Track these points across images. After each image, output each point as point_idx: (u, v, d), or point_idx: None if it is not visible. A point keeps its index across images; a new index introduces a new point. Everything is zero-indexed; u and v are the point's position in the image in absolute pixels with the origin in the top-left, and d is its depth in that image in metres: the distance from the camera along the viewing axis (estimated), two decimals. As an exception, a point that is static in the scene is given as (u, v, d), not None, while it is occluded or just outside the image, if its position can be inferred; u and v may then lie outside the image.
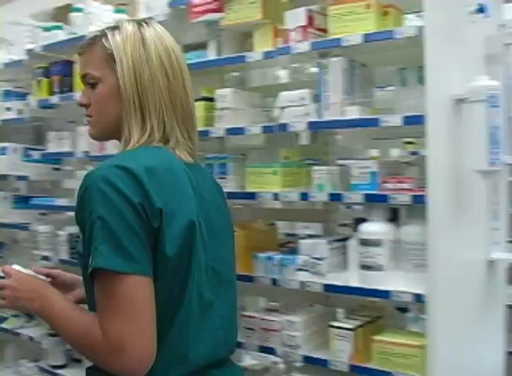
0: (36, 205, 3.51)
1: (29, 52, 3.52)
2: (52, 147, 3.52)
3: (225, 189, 2.66)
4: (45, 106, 3.55)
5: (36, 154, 3.55)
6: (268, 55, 2.48)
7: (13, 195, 3.78)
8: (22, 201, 3.69)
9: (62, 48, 3.36)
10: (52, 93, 3.43)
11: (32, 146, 3.72)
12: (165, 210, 1.37)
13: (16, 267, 1.59)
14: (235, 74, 3.11)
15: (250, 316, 2.53)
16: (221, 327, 1.51)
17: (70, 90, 3.33)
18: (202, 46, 2.78)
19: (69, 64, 3.34)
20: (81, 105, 1.60)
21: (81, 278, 1.57)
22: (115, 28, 1.57)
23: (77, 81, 3.29)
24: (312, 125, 2.36)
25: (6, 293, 1.52)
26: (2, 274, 1.56)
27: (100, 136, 1.62)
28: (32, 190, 3.82)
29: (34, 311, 1.49)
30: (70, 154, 3.35)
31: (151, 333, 1.33)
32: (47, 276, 1.72)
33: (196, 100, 2.76)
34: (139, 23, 1.59)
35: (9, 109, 3.72)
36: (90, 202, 1.35)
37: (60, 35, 3.38)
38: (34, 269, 1.67)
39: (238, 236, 2.73)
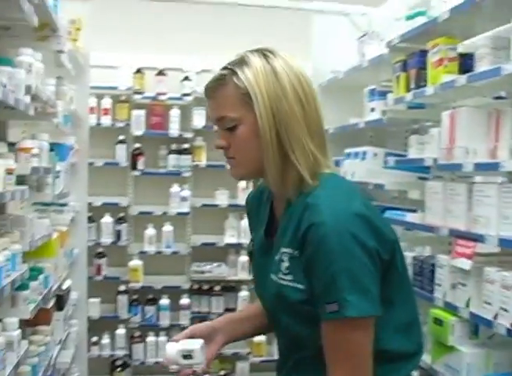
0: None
1: (388, 44, 3.10)
2: (413, 153, 3.04)
3: None
4: (412, 105, 3.10)
5: (391, 161, 3.12)
6: None
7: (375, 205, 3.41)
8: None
9: (419, 36, 2.85)
10: (408, 89, 2.96)
11: (394, 151, 3.29)
12: (395, 238, 1.46)
13: (171, 346, 1.56)
14: None
15: None
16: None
17: (425, 84, 2.80)
18: None
19: (424, 54, 2.80)
20: (221, 148, 1.53)
21: (216, 324, 1.68)
22: (242, 63, 1.48)
23: (431, 74, 2.75)
24: None
25: None
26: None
27: (246, 177, 1.60)
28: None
29: None
30: (418, 161, 2.83)
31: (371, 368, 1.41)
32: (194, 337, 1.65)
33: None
34: (264, 54, 1.49)
35: (373, 109, 3.37)
36: (331, 253, 1.36)
37: (420, 22, 2.88)
38: (176, 338, 1.62)
39: None
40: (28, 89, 2.39)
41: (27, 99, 2.37)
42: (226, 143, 1.51)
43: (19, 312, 2.36)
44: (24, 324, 2.64)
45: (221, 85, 1.48)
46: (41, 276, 2.64)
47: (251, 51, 1.51)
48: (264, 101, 1.44)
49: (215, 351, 1.65)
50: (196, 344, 1.57)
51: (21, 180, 2.60)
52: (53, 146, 3.03)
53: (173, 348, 1.57)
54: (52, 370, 2.93)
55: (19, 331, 2.26)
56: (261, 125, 1.45)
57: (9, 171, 2.14)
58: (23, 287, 2.38)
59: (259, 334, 1.84)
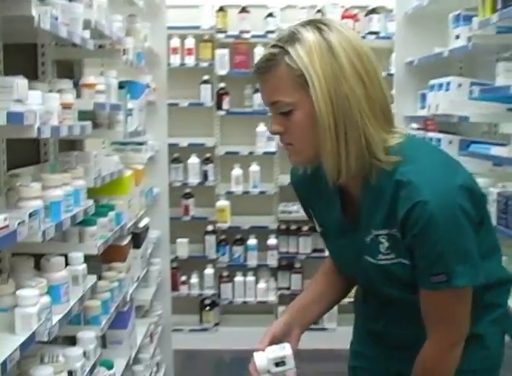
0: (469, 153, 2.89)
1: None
2: (500, 81, 2.80)
3: None
4: (502, 30, 2.84)
5: (476, 91, 2.89)
6: None
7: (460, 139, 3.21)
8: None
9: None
10: (495, 11, 2.70)
11: (480, 81, 3.05)
12: (483, 192, 1.48)
13: (260, 356, 1.53)
14: None
15: None
16: None
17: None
18: None
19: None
20: (275, 133, 1.44)
21: (288, 319, 1.63)
22: (294, 40, 1.35)
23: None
24: None
25: None
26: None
27: (306, 163, 1.50)
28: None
29: None
30: (504, 89, 2.60)
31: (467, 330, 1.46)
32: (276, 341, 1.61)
33: None
34: (318, 27, 1.36)
35: (457, 36, 3.12)
36: (440, 229, 1.34)
37: None
38: (261, 347, 1.57)
39: None
40: (87, 24, 2.36)
41: (86, 33, 2.34)
42: (282, 129, 1.41)
43: (86, 247, 2.39)
44: (101, 261, 2.69)
45: (273, 66, 1.36)
46: (111, 213, 2.65)
47: (303, 24, 1.39)
48: (320, 84, 1.33)
49: (295, 346, 1.60)
50: (286, 349, 1.55)
51: (90, 118, 2.61)
52: (124, 84, 3.00)
53: (263, 358, 1.53)
54: (129, 306, 2.98)
55: (84, 266, 2.28)
56: (319, 111, 1.34)
57: (66, 106, 2.12)
58: (88, 222, 2.40)
59: (335, 305, 1.80)
